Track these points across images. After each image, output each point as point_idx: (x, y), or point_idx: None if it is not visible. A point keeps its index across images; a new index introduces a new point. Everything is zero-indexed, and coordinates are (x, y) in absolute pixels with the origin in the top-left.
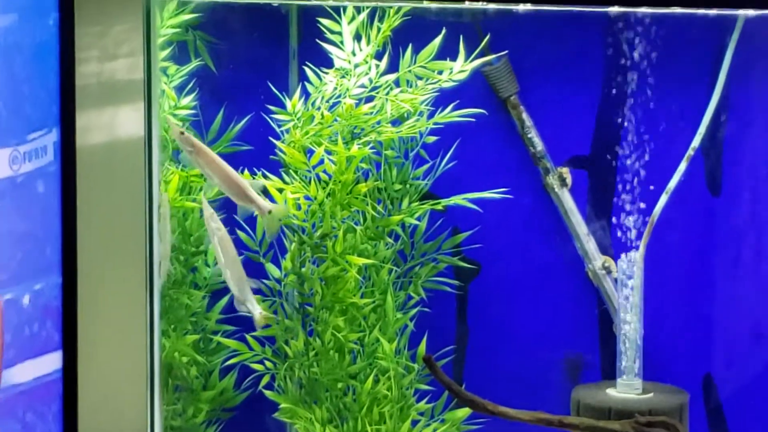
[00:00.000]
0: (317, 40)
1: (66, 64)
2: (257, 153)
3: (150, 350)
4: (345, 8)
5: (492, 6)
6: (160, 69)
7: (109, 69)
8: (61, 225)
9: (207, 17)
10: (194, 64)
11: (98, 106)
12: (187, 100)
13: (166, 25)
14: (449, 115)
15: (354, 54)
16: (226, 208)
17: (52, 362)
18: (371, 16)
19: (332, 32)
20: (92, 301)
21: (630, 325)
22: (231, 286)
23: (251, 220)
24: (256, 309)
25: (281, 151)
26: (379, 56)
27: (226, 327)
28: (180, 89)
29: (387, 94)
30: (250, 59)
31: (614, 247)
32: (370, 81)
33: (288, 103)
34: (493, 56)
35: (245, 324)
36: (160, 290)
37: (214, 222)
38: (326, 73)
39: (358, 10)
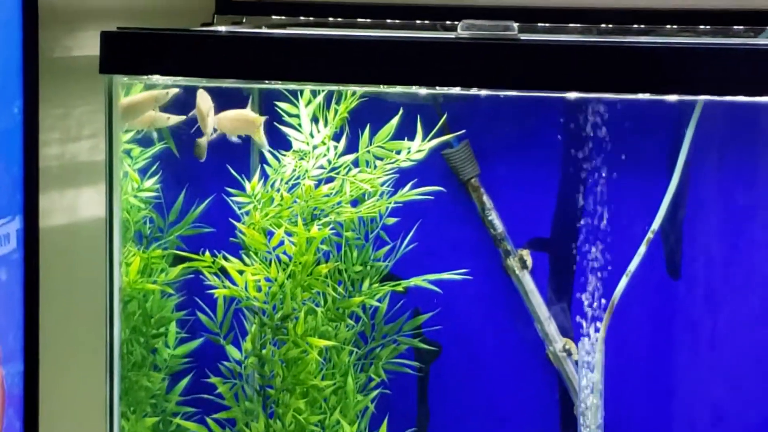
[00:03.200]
0: (276, 123)
1: (30, 151)
2: (218, 234)
3: None
4: (302, 91)
5: (451, 91)
6: (123, 151)
7: (71, 150)
8: (23, 312)
9: (171, 100)
10: (158, 146)
11: (60, 188)
12: (151, 182)
13: None
14: (408, 193)
15: (312, 136)
16: (188, 288)
17: None
18: (328, 99)
19: (290, 115)
20: (54, 387)
21: (591, 408)
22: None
23: (211, 302)
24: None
25: (241, 232)
26: (337, 137)
27: (186, 409)
28: (143, 171)
29: (346, 174)
30: (212, 141)
31: (575, 330)
32: (329, 162)
33: (247, 185)
34: (452, 135)
35: (205, 406)
36: (119, 372)
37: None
38: (285, 155)
39: (315, 92)
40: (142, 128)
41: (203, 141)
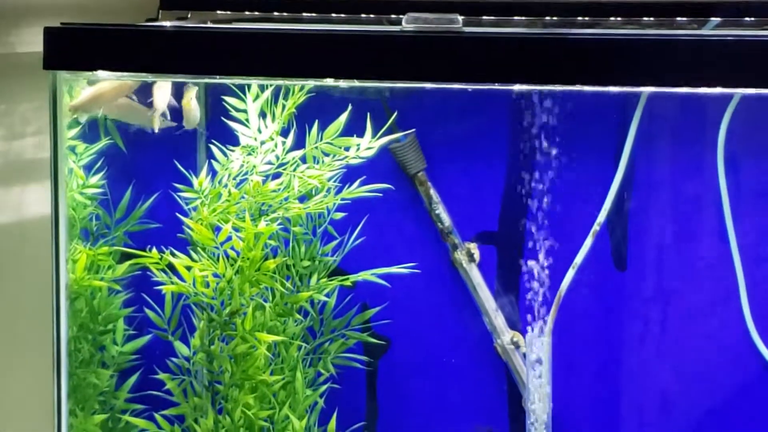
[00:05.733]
0: (223, 118)
1: None
2: (166, 231)
3: (58, 431)
4: (249, 86)
5: (398, 84)
6: (68, 147)
7: (15, 148)
8: None
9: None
10: (103, 142)
11: (4, 185)
12: (96, 178)
13: None
14: (356, 190)
15: (260, 131)
16: (135, 285)
17: None
18: (276, 94)
19: (237, 110)
20: (1, 386)
21: (539, 400)
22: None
23: (159, 298)
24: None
25: (189, 228)
26: (285, 133)
27: (134, 406)
28: (89, 168)
29: (294, 170)
30: (158, 137)
31: (522, 322)
32: (277, 158)
33: (195, 181)
34: (401, 134)
35: (154, 403)
36: (67, 369)
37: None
38: (232, 150)
39: (262, 88)
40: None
41: (155, 113)
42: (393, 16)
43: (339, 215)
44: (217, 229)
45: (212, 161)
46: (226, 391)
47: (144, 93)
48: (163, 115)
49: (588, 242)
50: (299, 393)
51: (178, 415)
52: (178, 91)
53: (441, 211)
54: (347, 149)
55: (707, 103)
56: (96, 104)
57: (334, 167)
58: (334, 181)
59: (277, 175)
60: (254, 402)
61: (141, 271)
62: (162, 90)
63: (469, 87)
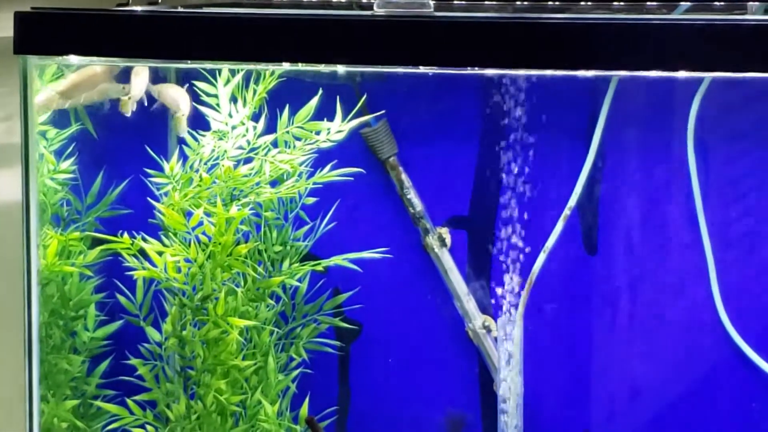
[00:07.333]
0: (194, 103)
1: None
2: (137, 216)
3: (29, 417)
4: (220, 71)
5: (368, 69)
6: (39, 133)
7: None
8: None
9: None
10: (74, 127)
11: None
12: (67, 164)
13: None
14: (328, 175)
15: (231, 116)
16: (107, 270)
17: None
18: (247, 79)
19: (209, 95)
20: None
21: (510, 384)
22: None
23: (131, 284)
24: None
25: (160, 213)
26: (256, 118)
27: (106, 392)
28: (59, 153)
29: (265, 155)
30: (129, 123)
31: (494, 306)
32: (248, 143)
33: (166, 166)
34: (371, 116)
35: (126, 388)
36: (39, 355)
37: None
38: (203, 135)
39: (233, 72)
40: (98, 100)
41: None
42: (364, 0)
43: (311, 200)
44: (188, 214)
45: (183, 146)
46: (198, 377)
47: (123, 79)
48: (140, 102)
49: (559, 226)
50: (271, 378)
51: (150, 401)
52: (156, 78)
53: (412, 195)
54: (318, 133)
55: (677, 87)
56: (79, 90)
57: (306, 152)
58: (306, 166)
59: (248, 160)
60: (226, 387)
61: (112, 257)
62: (139, 77)
63: (441, 71)
